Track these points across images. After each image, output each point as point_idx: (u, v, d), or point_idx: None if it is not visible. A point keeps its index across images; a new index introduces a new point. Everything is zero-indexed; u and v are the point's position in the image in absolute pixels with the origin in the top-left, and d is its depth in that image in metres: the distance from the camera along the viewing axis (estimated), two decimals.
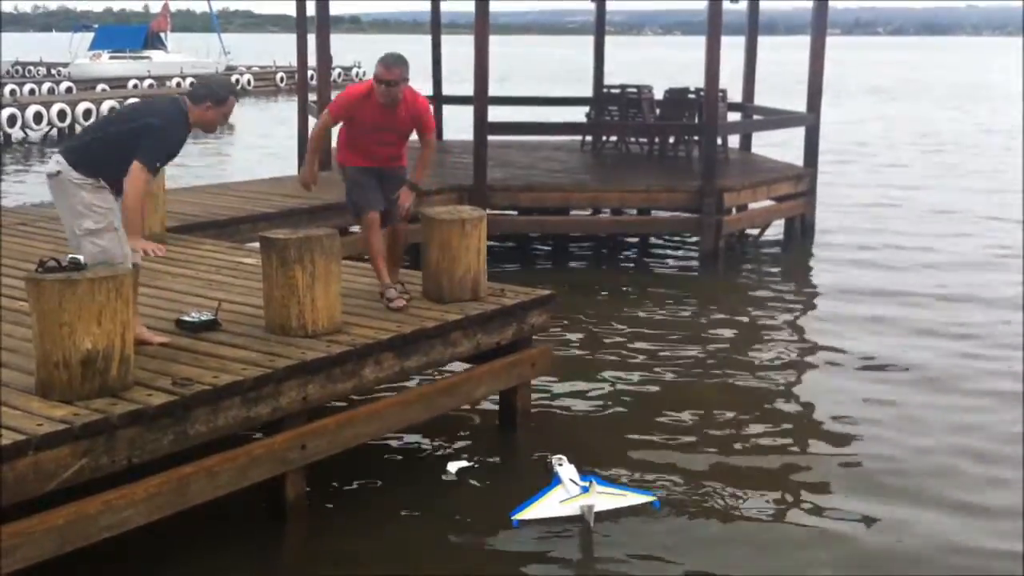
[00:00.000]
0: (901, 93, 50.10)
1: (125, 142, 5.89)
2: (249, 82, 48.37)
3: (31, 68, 49.16)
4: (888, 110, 39.03)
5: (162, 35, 49.76)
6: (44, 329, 5.18)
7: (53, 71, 45.76)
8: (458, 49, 25.00)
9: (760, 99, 17.39)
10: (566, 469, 6.37)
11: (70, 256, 5.54)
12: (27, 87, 35.08)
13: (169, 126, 5.97)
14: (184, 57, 47.32)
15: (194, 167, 22.05)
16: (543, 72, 67.10)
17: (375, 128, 7.31)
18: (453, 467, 6.80)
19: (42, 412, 5.02)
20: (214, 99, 6.10)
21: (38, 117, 27.50)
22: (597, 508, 5.93)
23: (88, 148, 6.02)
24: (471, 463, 6.88)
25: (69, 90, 35.07)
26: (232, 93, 6.26)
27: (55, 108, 28.06)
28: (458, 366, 7.42)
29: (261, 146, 26.65)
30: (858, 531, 6.09)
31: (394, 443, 7.14)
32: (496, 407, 7.64)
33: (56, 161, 5.99)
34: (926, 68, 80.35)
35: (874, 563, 5.75)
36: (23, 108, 27.45)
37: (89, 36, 48.34)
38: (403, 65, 7.21)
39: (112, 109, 6.80)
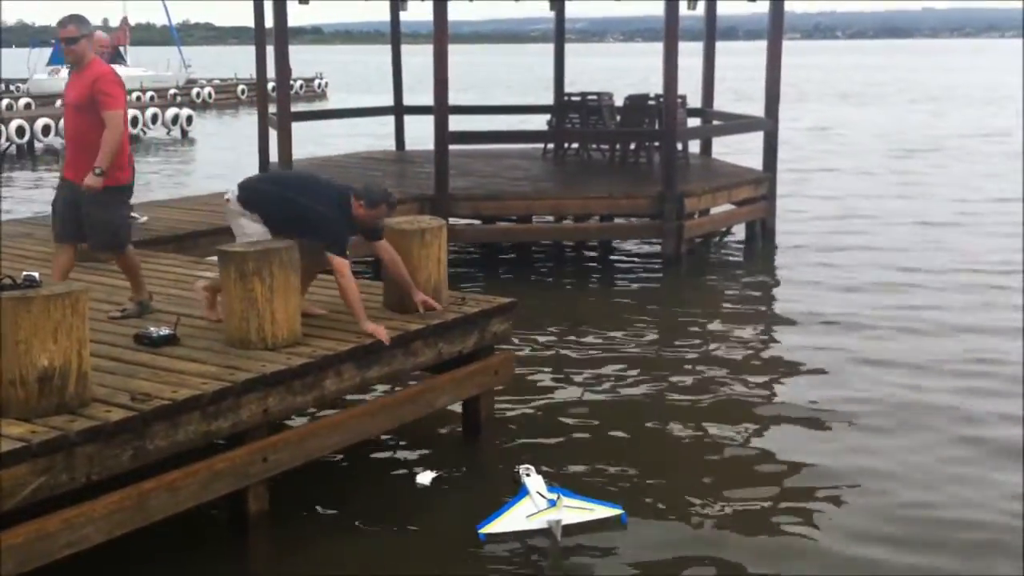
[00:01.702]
0: (864, 97, 50.49)
1: (292, 211, 6.69)
2: (210, 95, 48.18)
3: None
4: (852, 115, 39.32)
5: (121, 49, 49.40)
6: None
7: (11, 87, 45.33)
8: (422, 60, 25.02)
9: (725, 105, 17.50)
10: (533, 480, 6.35)
11: (25, 273, 5.52)
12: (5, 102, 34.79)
13: (338, 218, 6.68)
14: (144, 71, 47.02)
15: (154, 181, 21.94)
16: (506, 81, 67.20)
17: (66, 104, 7.09)
18: (425, 478, 6.78)
19: None
20: (367, 201, 6.73)
21: None
22: (564, 522, 5.90)
23: (260, 196, 6.83)
24: (441, 473, 6.86)
25: (28, 106, 34.81)
26: (385, 202, 6.84)
27: (13, 124, 27.82)
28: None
29: (221, 159, 26.54)
30: (829, 543, 6.03)
31: (357, 454, 7.13)
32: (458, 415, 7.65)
33: (231, 191, 6.91)
34: (888, 71, 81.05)
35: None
36: None
37: (47, 51, 47.92)
38: (77, 22, 7.01)
39: (294, 172, 7.08)
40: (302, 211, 6.68)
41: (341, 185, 6.99)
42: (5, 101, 35.45)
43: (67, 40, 6.93)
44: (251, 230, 6.76)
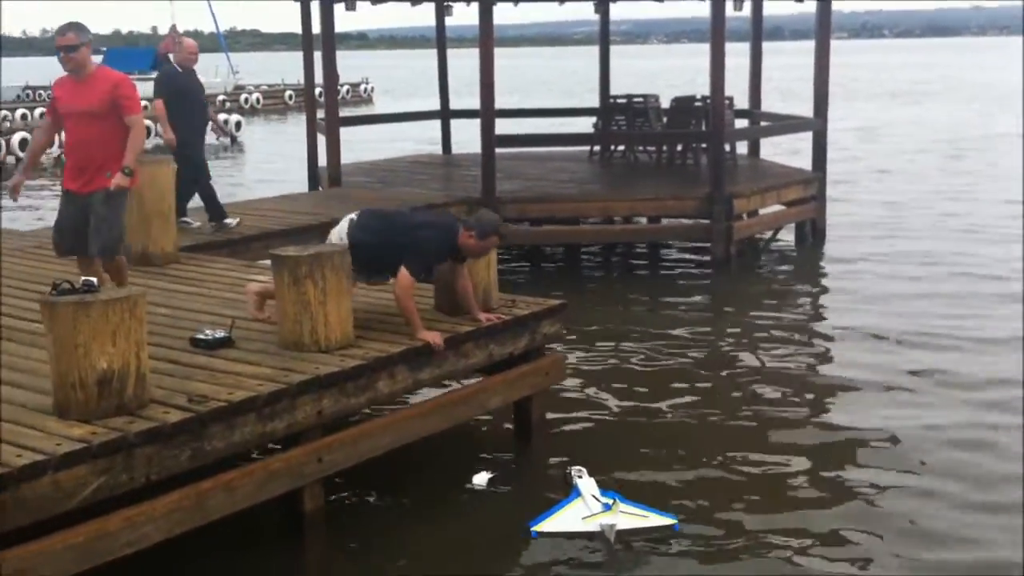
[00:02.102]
0: (913, 96, 49.97)
1: (398, 251, 6.63)
2: (258, 101, 48.63)
3: (41, 92, 49.41)
4: (901, 114, 38.91)
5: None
6: (60, 350, 5.24)
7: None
8: (467, 63, 25.05)
9: (773, 106, 17.36)
10: (585, 482, 6.32)
11: (83, 278, 5.60)
12: (38, 111, 35.25)
13: (437, 241, 6.67)
14: None
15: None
16: (550, 84, 67.18)
17: (71, 112, 6.91)
18: (481, 479, 6.78)
19: (60, 432, 5.08)
20: (478, 231, 6.72)
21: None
22: (618, 527, 5.85)
23: (367, 251, 6.68)
24: (496, 474, 6.86)
25: None
26: (495, 232, 6.80)
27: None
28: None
29: (270, 164, 26.77)
30: (889, 560, 5.91)
31: (411, 454, 7.17)
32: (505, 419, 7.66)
33: (340, 236, 6.76)
34: (935, 68, 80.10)
35: None
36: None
37: (98, 59, 48.56)
38: (76, 29, 6.96)
39: (401, 212, 7.09)
40: (412, 242, 6.66)
41: (450, 217, 7.00)
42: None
43: (66, 48, 6.92)
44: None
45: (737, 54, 15.82)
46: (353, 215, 6.97)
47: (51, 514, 4.81)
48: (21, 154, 26.86)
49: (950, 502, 6.56)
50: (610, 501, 6.00)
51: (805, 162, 15.48)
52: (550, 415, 7.85)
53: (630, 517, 5.96)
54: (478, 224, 6.79)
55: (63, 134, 7.33)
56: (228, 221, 10.99)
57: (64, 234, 7.09)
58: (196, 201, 11.21)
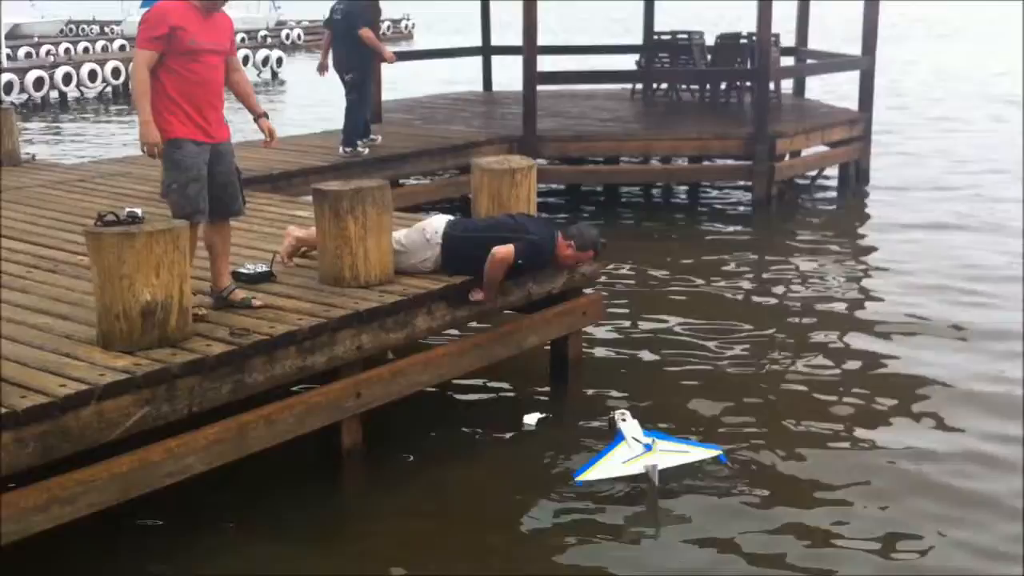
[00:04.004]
0: (966, 36, 48.79)
1: (502, 242, 6.50)
2: (300, 36, 48.44)
3: (84, 27, 49.50)
4: (953, 55, 37.94)
5: None
6: (104, 282, 5.30)
7: (106, 29, 46.04)
8: (512, 5, 24.74)
9: (821, 45, 17.04)
10: (629, 425, 6.26)
11: (128, 210, 5.65)
12: (81, 45, 35.46)
13: (541, 242, 6.64)
14: (235, 12, 47.17)
15: (247, 122, 22.15)
16: (592, 21, 66.32)
17: (202, 50, 5.81)
18: (532, 419, 6.79)
19: (104, 363, 5.15)
20: (578, 242, 6.76)
21: (93, 75, 27.80)
22: (661, 466, 5.84)
23: (468, 243, 6.59)
24: (547, 415, 6.86)
25: (123, 48, 35.38)
26: (594, 247, 6.83)
27: (109, 66, 28.31)
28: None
29: (312, 100, 26.71)
30: (929, 494, 5.94)
31: (446, 393, 7.22)
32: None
33: (435, 230, 6.68)
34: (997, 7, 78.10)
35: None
36: (78, 66, 27.74)
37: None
38: None
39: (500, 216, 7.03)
40: (506, 240, 6.53)
41: (552, 224, 7.02)
42: (100, 43, 36.07)
43: None
44: (410, 244, 6.72)
45: None
46: (450, 217, 6.93)
47: (95, 444, 4.90)
48: (64, 88, 26.97)
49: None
50: (650, 441, 5.98)
51: (853, 105, 15.17)
52: (587, 353, 7.85)
53: (672, 455, 5.95)
54: (579, 236, 6.79)
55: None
56: (374, 138, 11.99)
57: (203, 196, 5.90)
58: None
